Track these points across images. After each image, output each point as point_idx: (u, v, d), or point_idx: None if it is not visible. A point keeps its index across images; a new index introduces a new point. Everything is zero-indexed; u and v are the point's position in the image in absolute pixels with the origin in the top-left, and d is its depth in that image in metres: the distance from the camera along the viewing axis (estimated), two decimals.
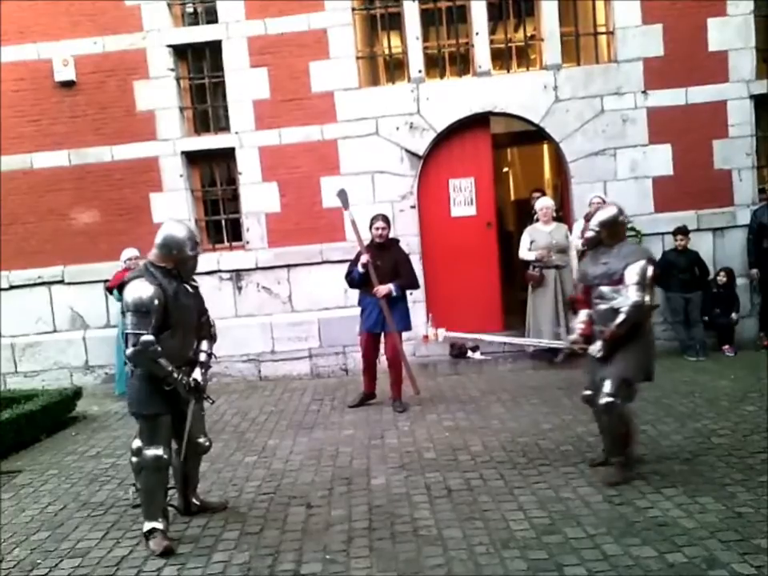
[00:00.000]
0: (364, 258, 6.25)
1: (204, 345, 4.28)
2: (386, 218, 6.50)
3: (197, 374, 4.12)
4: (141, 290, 3.84)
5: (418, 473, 4.76)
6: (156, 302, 3.81)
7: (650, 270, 4.35)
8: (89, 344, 8.35)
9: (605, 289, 4.37)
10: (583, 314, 4.57)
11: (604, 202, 7.64)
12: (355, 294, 8.01)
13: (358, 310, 7.90)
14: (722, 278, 7.77)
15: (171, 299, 3.89)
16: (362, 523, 4.03)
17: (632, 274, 4.27)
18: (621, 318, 4.24)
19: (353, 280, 6.46)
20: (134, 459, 4.06)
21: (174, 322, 3.92)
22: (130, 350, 3.82)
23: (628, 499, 4.06)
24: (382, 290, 6.23)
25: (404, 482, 4.61)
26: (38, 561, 3.93)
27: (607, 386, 4.26)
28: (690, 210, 7.97)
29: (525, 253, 7.60)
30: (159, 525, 3.92)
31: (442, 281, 8.28)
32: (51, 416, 6.56)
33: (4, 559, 3.98)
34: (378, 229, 6.36)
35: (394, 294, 6.28)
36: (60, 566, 3.84)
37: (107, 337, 8.16)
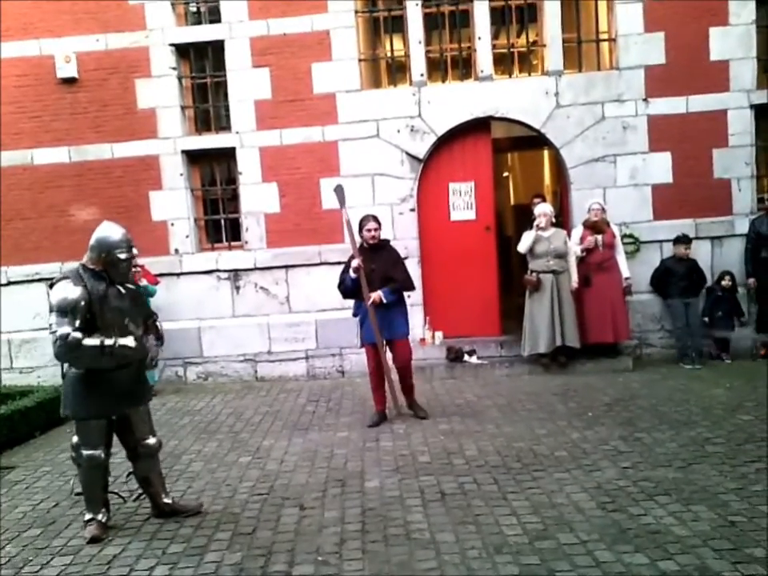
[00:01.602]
0: (355, 263, 5.87)
1: (150, 338, 4.31)
2: (377, 219, 6.12)
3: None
4: (65, 291, 3.88)
5: (412, 476, 4.76)
6: (82, 303, 3.85)
7: None
8: None
9: None
10: None
11: (603, 209, 7.71)
12: None
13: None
14: (727, 282, 7.78)
15: (98, 301, 3.91)
16: (354, 526, 4.03)
17: None
18: None
19: (346, 289, 6.09)
20: (73, 455, 4.17)
21: (105, 324, 3.93)
22: (55, 349, 3.85)
23: (621, 506, 4.07)
24: (375, 298, 5.85)
25: (398, 485, 4.61)
26: (30, 558, 3.92)
27: None
28: (689, 219, 7.98)
29: (524, 247, 7.49)
30: (98, 516, 4.12)
31: (440, 284, 8.29)
32: (46, 412, 6.55)
33: None
34: (370, 230, 5.99)
35: (385, 301, 5.88)
36: (51, 564, 3.84)
37: None
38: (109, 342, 3.89)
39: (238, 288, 8.34)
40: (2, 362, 8.41)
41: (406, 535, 3.86)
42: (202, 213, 8.58)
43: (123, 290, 4.09)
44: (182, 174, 8.26)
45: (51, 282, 4.02)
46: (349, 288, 6.05)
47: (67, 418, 4.18)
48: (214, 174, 8.63)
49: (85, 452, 4.06)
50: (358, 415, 6.43)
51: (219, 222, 8.60)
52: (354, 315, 6.26)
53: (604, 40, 8.18)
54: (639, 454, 4.92)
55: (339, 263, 8.06)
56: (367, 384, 6.56)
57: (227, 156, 8.36)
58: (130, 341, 3.99)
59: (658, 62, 7.90)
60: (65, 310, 3.83)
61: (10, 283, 8.37)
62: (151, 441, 4.28)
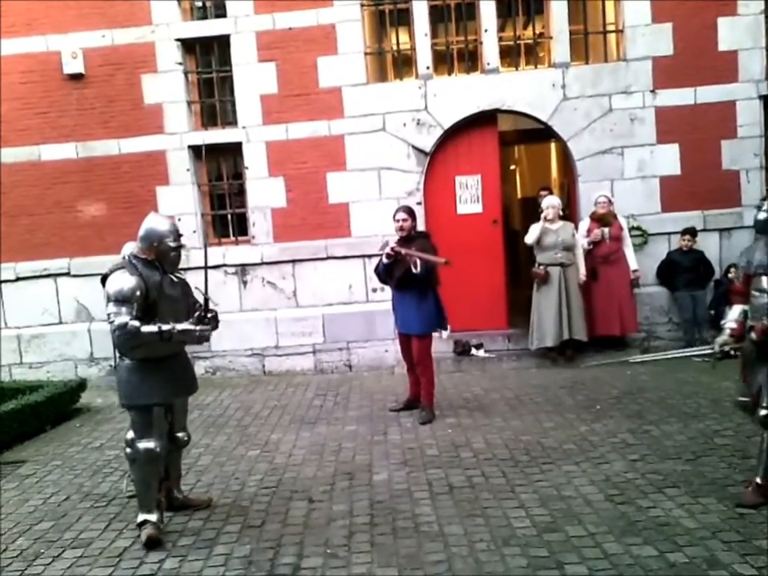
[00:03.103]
0: (387, 248, 5.80)
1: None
2: (407, 210, 6.02)
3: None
4: (121, 281, 3.88)
5: (420, 469, 4.77)
6: (138, 292, 3.86)
7: None
8: (94, 336, 8.37)
9: (765, 279, 3.87)
10: (737, 311, 4.12)
11: (610, 201, 7.68)
12: (359, 291, 8.10)
13: (362, 306, 7.93)
14: (734, 275, 7.75)
15: (153, 290, 3.93)
16: (363, 518, 4.04)
17: None
18: None
19: (379, 273, 6.12)
20: (128, 450, 4.12)
21: (161, 312, 3.96)
22: (114, 338, 3.85)
23: (630, 498, 4.07)
24: (416, 256, 5.61)
25: (406, 478, 4.62)
26: (41, 551, 3.96)
27: (765, 398, 3.82)
28: (697, 210, 7.94)
29: (531, 239, 7.46)
30: (152, 517, 3.97)
31: (446, 278, 8.23)
32: (56, 407, 6.60)
33: (7, 548, 4.01)
34: (398, 221, 5.91)
35: (414, 270, 5.64)
36: (62, 556, 3.87)
37: None
38: (166, 327, 3.88)
39: (245, 282, 8.36)
40: (12, 357, 8.45)
41: (415, 528, 3.87)
42: (208, 208, 8.59)
43: (175, 279, 4.14)
44: (188, 169, 8.27)
45: (104, 274, 4.02)
46: (381, 273, 6.07)
47: (125, 407, 4.12)
48: (221, 169, 8.63)
49: (141, 445, 3.97)
50: (365, 409, 6.44)
51: (226, 216, 8.61)
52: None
53: (611, 31, 8.12)
54: (647, 446, 4.91)
55: (345, 257, 8.14)
56: (374, 378, 6.62)
57: (234, 151, 8.36)
58: (187, 325, 3.98)
59: (666, 53, 7.85)
60: (122, 300, 3.83)
61: (18, 279, 8.40)
62: (181, 434, 4.31)
